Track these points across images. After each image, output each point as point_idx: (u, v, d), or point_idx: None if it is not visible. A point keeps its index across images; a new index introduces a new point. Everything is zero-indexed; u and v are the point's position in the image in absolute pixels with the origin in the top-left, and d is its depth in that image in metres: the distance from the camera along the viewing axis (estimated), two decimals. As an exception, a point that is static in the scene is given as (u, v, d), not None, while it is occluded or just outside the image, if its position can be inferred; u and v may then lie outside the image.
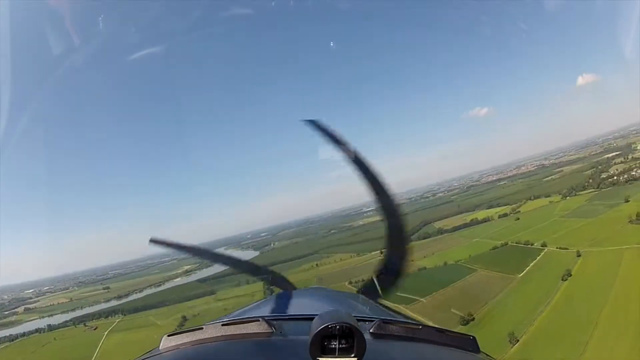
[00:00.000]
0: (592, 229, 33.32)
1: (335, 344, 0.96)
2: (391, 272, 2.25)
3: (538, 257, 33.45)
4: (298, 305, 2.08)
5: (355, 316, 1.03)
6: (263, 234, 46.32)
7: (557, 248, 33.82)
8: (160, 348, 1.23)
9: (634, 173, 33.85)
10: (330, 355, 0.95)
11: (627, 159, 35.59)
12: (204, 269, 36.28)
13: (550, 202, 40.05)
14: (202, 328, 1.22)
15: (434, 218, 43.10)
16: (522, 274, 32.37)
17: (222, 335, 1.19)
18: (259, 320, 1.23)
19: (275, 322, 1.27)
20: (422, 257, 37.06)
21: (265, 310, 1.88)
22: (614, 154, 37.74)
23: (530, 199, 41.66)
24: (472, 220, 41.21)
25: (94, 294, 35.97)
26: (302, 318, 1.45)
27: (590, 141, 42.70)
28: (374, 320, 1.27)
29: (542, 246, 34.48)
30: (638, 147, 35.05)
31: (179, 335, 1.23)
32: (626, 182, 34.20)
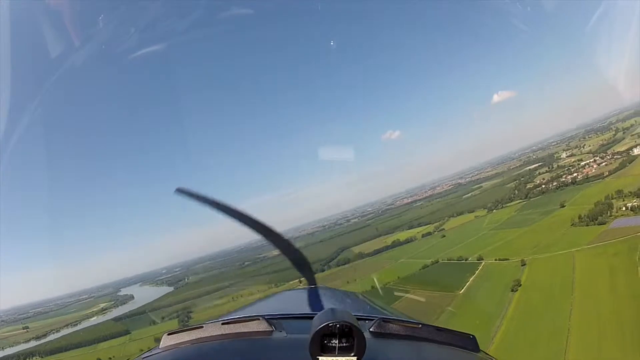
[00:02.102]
0: (531, 237, 31.33)
1: (335, 343, 0.95)
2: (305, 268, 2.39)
3: (477, 271, 30.13)
4: (298, 304, 2.06)
5: (355, 315, 1.02)
6: (177, 269, 44.41)
7: (496, 260, 31.28)
8: (160, 347, 1.21)
9: (563, 179, 32.59)
10: (330, 353, 0.94)
11: (552, 168, 34.80)
12: (120, 307, 36.38)
13: (475, 216, 38.01)
14: (202, 327, 1.22)
15: (352, 243, 39.79)
16: (462, 290, 28.78)
17: (222, 334, 1.19)
18: (258, 319, 1.22)
19: (275, 320, 1.27)
20: (344, 283, 32.50)
21: (265, 309, 1.88)
22: (535, 165, 37.10)
23: (452, 216, 39.06)
24: (393, 242, 37.68)
25: (14, 334, 34.57)
26: (302, 317, 1.43)
27: (506, 157, 42.48)
28: (373, 319, 1.26)
29: (478, 260, 31.32)
30: (562, 156, 34.58)
31: (179, 333, 1.22)
32: (557, 188, 32.85)
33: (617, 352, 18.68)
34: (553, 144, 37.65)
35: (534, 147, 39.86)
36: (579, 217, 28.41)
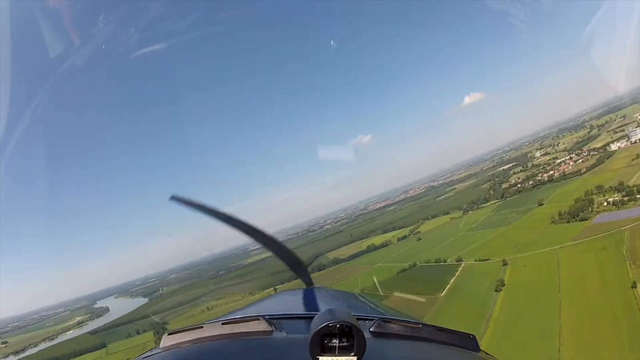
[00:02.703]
0: (510, 236, 30.58)
1: (335, 343, 0.94)
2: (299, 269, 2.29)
3: (457, 273, 28.96)
4: (298, 304, 1.99)
5: (355, 315, 1.02)
6: (152, 280, 44.38)
7: (476, 261, 30.17)
8: (160, 346, 1.21)
9: (539, 178, 32.29)
10: (330, 353, 0.94)
11: (527, 167, 34.56)
12: (95, 320, 36.42)
13: (451, 218, 37.29)
14: (202, 327, 1.21)
15: (326, 249, 38.83)
16: (444, 293, 27.52)
17: (222, 334, 1.19)
18: (258, 319, 1.22)
19: (275, 320, 1.27)
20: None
21: (265, 309, 1.81)
22: (509, 165, 36.84)
23: (427, 219, 37.98)
24: (368, 246, 36.57)
25: (-7, 349, 34.44)
26: (302, 317, 1.43)
27: (478, 159, 42.26)
28: (374, 319, 1.26)
29: (457, 261, 30.16)
30: (536, 155, 34.44)
31: (179, 333, 1.21)
32: (533, 187, 32.47)
33: (615, 350, 17.68)
34: (526, 144, 37.65)
35: (506, 148, 39.82)
36: (559, 214, 27.84)
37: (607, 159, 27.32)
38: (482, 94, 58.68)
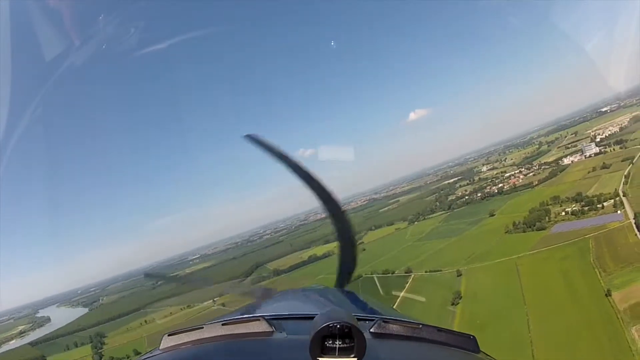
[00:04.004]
0: (462, 246, 29.27)
1: (335, 344, 0.95)
2: (347, 268, 2.25)
3: (407, 285, 27.02)
4: (298, 305, 1.96)
5: (355, 315, 1.04)
6: (92, 289, 45.24)
7: (426, 272, 28.06)
8: (160, 347, 1.20)
9: (488, 190, 31.75)
10: (331, 354, 0.94)
11: (474, 180, 34.07)
12: (37, 330, 36.57)
13: (396, 229, 35.59)
14: (202, 327, 1.20)
15: (266, 260, 37.94)
16: (394, 307, 23.96)
17: (222, 335, 1.18)
18: (259, 320, 1.21)
19: (275, 321, 1.25)
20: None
21: (266, 310, 1.81)
22: (455, 179, 36.28)
23: (371, 229, 36.42)
24: (310, 257, 35.06)
25: (-62, 359, 31.52)
26: (303, 317, 1.41)
27: (421, 173, 41.54)
28: (374, 320, 1.24)
29: (406, 272, 28.27)
30: (483, 169, 34.23)
31: (179, 334, 1.20)
32: (482, 198, 31.77)
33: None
34: (470, 159, 37.59)
35: (450, 163, 39.54)
36: (514, 224, 27.05)
37: (561, 172, 27.51)
38: (427, 110, 60.48)
